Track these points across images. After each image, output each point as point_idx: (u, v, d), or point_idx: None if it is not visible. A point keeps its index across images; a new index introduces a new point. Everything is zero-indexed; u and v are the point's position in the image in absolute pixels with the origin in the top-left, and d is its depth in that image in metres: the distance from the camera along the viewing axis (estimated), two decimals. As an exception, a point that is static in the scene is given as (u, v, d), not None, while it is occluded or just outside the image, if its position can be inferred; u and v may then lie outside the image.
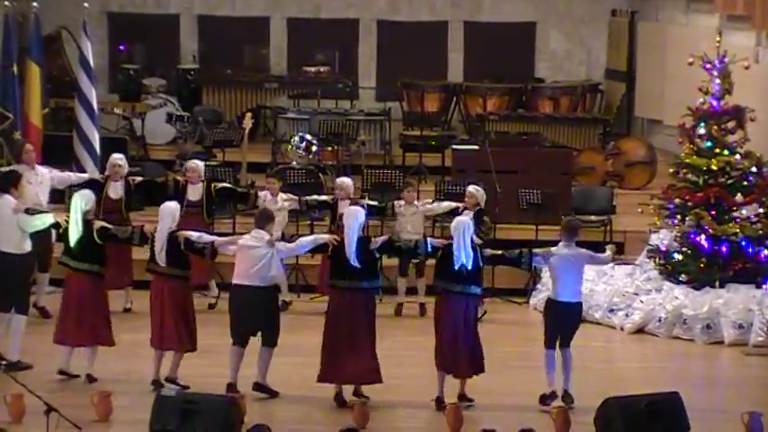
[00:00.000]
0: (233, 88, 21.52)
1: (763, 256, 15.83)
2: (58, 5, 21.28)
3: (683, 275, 15.80)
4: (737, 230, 15.80)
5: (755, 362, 14.59)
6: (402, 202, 15.73)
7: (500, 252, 12.76)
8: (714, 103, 16.16)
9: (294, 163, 18.28)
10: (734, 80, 16.16)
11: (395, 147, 20.21)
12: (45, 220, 13.22)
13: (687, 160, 16.26)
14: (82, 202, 12.77)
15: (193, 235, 12.76)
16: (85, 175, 15.78)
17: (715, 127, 16.17)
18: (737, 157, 16.13)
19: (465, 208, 15.37)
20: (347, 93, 21.97)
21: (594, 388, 12.42)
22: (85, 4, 18.13)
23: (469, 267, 12.20)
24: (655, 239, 16.31)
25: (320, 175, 18.07)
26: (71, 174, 15.75)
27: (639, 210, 16.80)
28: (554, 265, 12.52)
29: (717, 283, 15.63)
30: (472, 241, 12.31)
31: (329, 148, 18.95)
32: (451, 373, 12.36)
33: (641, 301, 15.52)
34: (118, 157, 15.62)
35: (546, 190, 17.17)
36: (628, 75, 22.38)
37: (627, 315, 15.53)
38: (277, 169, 18.23)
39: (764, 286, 15.61)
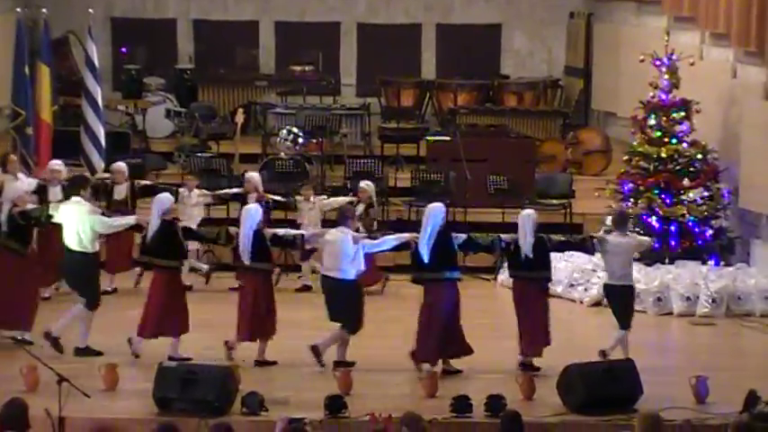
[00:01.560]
0: (226, 86, 21.44)
1: (708, 235, 15.90)
2: (65, 12, 21.17)
3: (636, 253, 15.83)
4: (685, 212, 15.86)
5: (701, 331, 14.65)
6: (301, 198, 15.68)
7: (565, 238, 13.26)
8: (663, 96, 16.21)
9: (282, 154, 18.25)
10: (681, 76, 16.20)
11: (374, 138, 20.18)
12: (127, 221, 12.98)
13: (639, 149, 16.31)
14: (160, 204, 12.59)
15: (280, 231, 12.75)
16: (35, 181, 15.00)
17: (664, 118, 16.22)
18: (685, 145, 16.19)
19: (358, 201, 15.47)
20: (330, 89, 21.92)
21: (557, 356, 12.44)
22: (90, 10, 18.03)
23: (530, 255, 12.41)
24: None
25: (306, 164, 18.05)
26: (32, 180, 15.03)
27: (596, 194, 16.85)
28: (606, 252, 12.77)
29: (666, 260, 15.69)
30: (535, 231, 12.51)
31: (314, 140, 18.89)
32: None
33: (599, 277, 15.49)
34: (56, 163, 15.24)
35: (511, 176, 17.19)
36: (585, 71, 22.38)
37: (585, 290, 15.56)
38: (266, 160, 18.21)
39: (709, 262, 15.68)
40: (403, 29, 23.15)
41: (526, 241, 12.45)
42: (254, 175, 15.72)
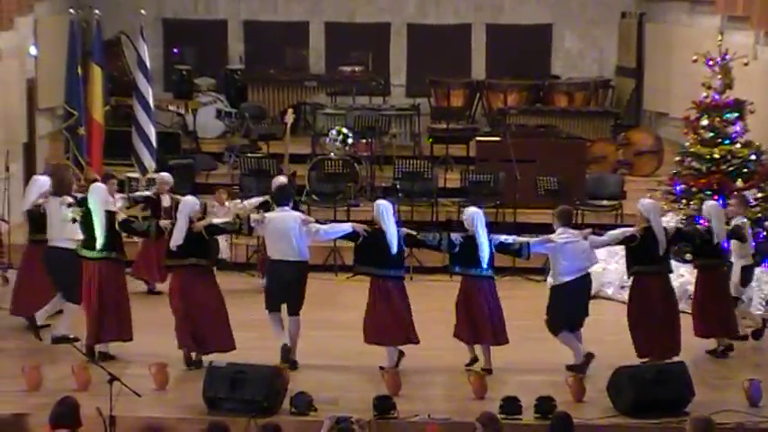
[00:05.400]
0: (276, 86, 21.53)
1: (761, 236, 15.73)
2: (117, 13, 21.33)
3: (687, 255, 15.69)
4: (738, 213, 15.69)
5: (755, 333, 14.50)
6: (215, 203, 15.49)
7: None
8: (716, 97, 16.07)
9: (332, 154, 18.29)
10: (734, 76, 16.05)
11: (423, 139, 20.17)
12: (344, 229, 12.73)
13: (691, 149, 16.18)
14: (386, 210, 12.37)
15: (429, 235, 12.66)
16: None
17: (717, 119, 16.09)
18: (738, 146, 16.05)
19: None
20: (380, 90, 21.95)
21: (607, 359, 12.37)
22: (142, 11, 18.19)
23: (724, 244, 13.09)
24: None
25: (355, 165, 18.08)
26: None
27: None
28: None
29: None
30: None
31: (363, 141, 18.94)
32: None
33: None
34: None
35: (562, 177, 17.11)
36: (637, 71, 22.26)
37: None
38: (315, 160, 18.25)
39: (764, 264, 15.52)
40: (453, 29, 23.14)
41: (721, 230, 13.04)
42: (164, 175, 15.48)
